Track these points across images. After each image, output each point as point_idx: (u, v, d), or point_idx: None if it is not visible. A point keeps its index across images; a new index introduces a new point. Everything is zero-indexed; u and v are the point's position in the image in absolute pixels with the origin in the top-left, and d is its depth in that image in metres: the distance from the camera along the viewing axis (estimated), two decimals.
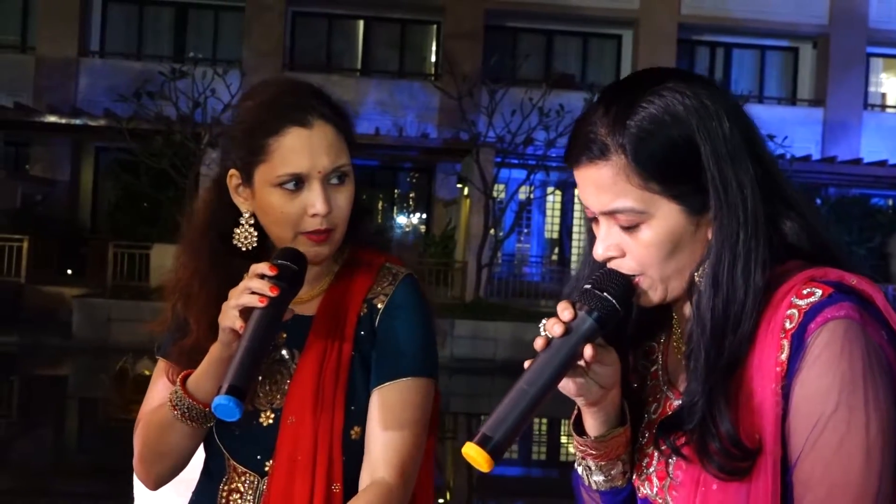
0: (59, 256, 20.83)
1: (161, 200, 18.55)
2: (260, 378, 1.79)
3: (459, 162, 22.04)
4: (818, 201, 20.88)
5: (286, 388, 1.78)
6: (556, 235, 24.94)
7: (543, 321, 1.31)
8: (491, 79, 19.69)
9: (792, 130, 20.11)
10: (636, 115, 1.30)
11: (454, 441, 10.16)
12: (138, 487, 2.31)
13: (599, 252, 1.36)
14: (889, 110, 25.80)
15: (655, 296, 1.36)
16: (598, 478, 1.46)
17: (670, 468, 1.39)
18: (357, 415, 1.76)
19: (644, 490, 1.46)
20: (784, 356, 1.25)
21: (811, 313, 1.25)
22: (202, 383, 1.72)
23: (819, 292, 1.26)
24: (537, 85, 19.77)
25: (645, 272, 1.34)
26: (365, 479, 1.75)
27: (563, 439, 11.29)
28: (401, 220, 24.64)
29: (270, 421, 1.78)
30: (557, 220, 24.76)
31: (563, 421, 11.09)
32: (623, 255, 1.35)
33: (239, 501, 1.79)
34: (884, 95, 26.37)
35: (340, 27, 24.43)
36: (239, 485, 1.80)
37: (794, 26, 24.01)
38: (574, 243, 24.38)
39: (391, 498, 1.72)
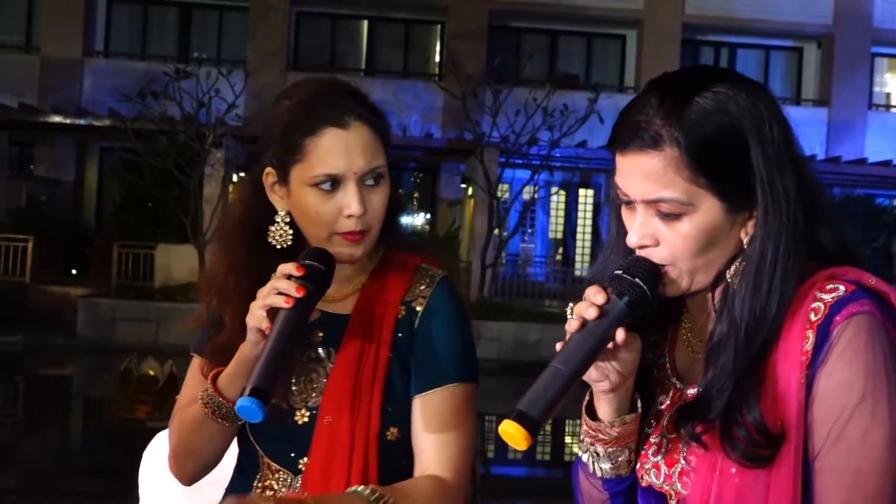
0: (63, 256, 20.83)
1: (165, 200, 18.54)
2: (294, 376, 1.80)
3: (463, 162, 22.02)
4: None
5: (322, 386, 1.79)
6: (559, 236, 24.89)
7: (570, 305, 1.34)
8: (495, 79, 19.66)
9: (796, 130, 19.77)
10: (693, 110, 1.33)
11: None
12: (143, 487, 2.31)
13: (634, 240, 1.39)
14: (894, 110, 25.74)
15: (681, 287, 1.39)
16: (605, 465, 1.48)
17: (682, 454, 1.41)
18: (394, 416, 1.77)
19: (649, 479, 1.47)
20: (809, 346, 1.29)
21: (836, 307, 1.29)
22: (232, 382, 1.73)
23: (842, 288, 1.30)
24: (541, 85, 19.74)
25: (675, 263, 1.37)
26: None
27: (568, 439, 11.27)
28: (405, 220, 24.61)
29: (306, 419, 1.79)
30: (561, 221, 24.71)
31: (566, 421, 11.09)
32: (657, 245, 1.37)
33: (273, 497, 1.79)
34: (888, 95, 26.30)
35: (344, 27, 24.43)
36: (273, 482, 1.81)
37: (799, 26, 23.96)
38: (578, 243, 24.34)
39: (445, 491, 1.72)
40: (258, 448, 1.83)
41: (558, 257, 24.65)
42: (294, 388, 1.81)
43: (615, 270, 1.36)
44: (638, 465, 1.50)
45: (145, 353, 10.55)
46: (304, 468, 1.77)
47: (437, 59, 24.39)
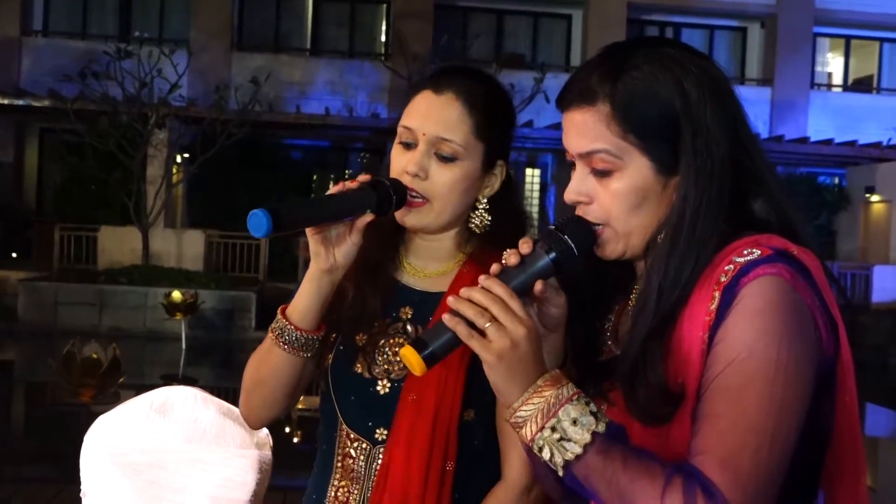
0: (2, 240, 20.52)
1: (108, 182, 18.33)
2: (378, 347, 1.86)
3: None
4: None
5: None
6: None
7: (506, 251, 1.39)
8: (441, 58, 19.62)
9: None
10: (628, 69, 1.38)
11: None
12: (86, 472, 2.28)
13: (570, 197, 1.43)
14: (835, 90, 26.12)
15: (616, 249, 1.43)
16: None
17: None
18: (472, 397, 1.79)
19: None
20: (714, 306, 1.31)
21: (745, 268, 1.31)
22: (298, 305, 1.78)
23: (758, 252, 1.32)
24: (488, 65, 19.69)
25: (609, 222, 1.41)
26: (503, 474, 1.81)
27: None
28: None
29: (387, 390, 1.83)
30: None
31: None
32: (591, 202, 1.42)
33: (352, 465, 1.85)
34: (830, 75, 26.68)
35: (289, 6, 24.20)
36: (350, 450, 1.86)
37: (743, 6, 24.21)
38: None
39: (520, 498, 1.77)
40: (338, 412, 1.87)
41: None
42: (379, 358, 1.85)
43: (549, 226, 1.41)
44: None
45: (88, 337, 10.42)
46: (381, 438, 1.82)
47: (383, 38, 24.28)
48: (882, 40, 25.76)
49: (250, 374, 1.88)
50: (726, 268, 1.32)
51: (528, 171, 24.48)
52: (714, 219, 1.36)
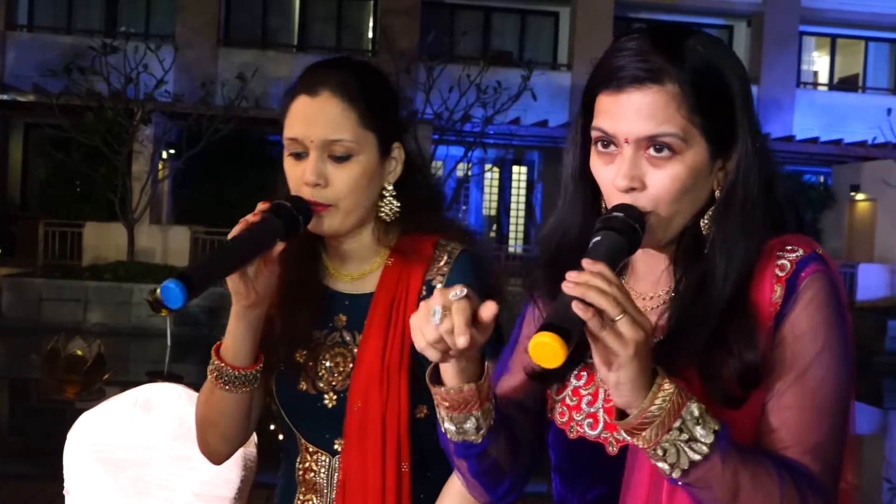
0: None
1: (93, 178, 18.24)
2: (320, 360, 1.83)
3: None
4: None
5: (348, 370, 1.81)
6: (493, 212, 25.00)
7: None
8: (428, 55, 19.62)
9: None
10: (688, 49, 1.37)
11: None
12: (69, 469, 2.27)
13: (623, 183, 1.36)
14: (821, 88, 26.21)
15: (662, 236, 1.40)
16: (449, 426, 1.43)
17: None
18: (422, 394, 1.72)
19: (581, 430, 1.48)
20: (777, 297, 1.35)
21: (801, 264, 1.36)
22: (230, 344, 1.75)
23: (801, 250, 1.37)
24: (475, 62, 19.71)
25: (657, 209, 1.37)
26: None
27: None
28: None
29: (334, 402, 1.81)
30: (495, 197, 24.81)
31: None
32: (644, 189, 1.36)
33: (314, 478, 1.84)
34: (816, 73, 26.78)
35: (276, 2, 24.13)
36: (312, 463, 1.85)
37: (730, 5, 24.27)
38: (511, 220, 24.47)
39: None
40: (294, 429, 1.86)
41: (492, 234, 24.76)
42: (320, 372, 1.83)
43: (613, 212, 1.35)
44: (566, 419, 1.50)
45: (73, 333, 10.39)
46: (340, 448, 1.81)
47: (370, 35, 24.25)
48: (867, 39, 25.86)
49: (199, 415, 1.86)
50: (780, 262, 1.36)
51: (515, 168, 24.50)
52: (765, 200, 1.40)
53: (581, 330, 1.19)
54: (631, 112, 1.36)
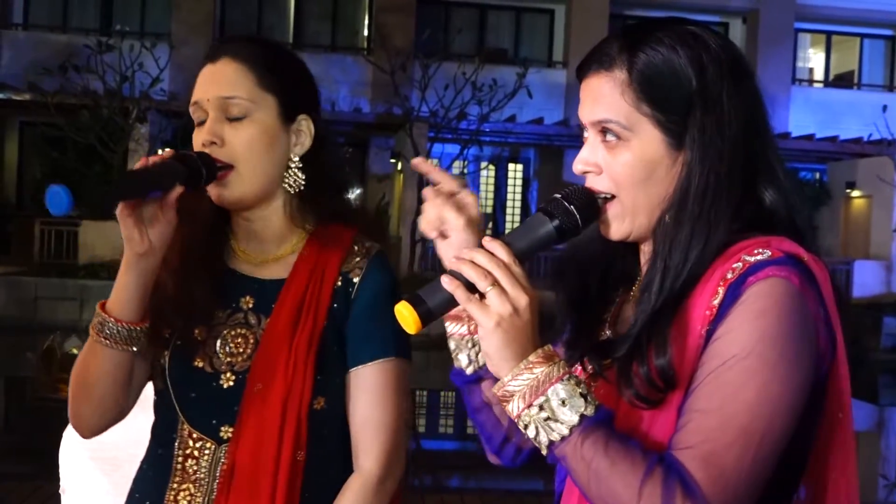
0: None
1: (89, 176, 18.21)
2: (220, 339, 1.78)
3: (393, 137, 21.96)
4: None
5: (250, 352, 1.77)
6: (489, 210, 24.99)
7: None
8: (424, 53, 19.62)
9: None
10: (649, 40, 1.38)
11: None
12: (64, 468, 2.27)
13: (578, 167, 1.41)
14: (816, 85, 26.23)
15: (621, 227, 1.40)
16: (451, 345, 1.56)
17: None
18: (322, 385, 1.76)
19: None
20: (716, 301, 1.29)
21: (754, 268, 1.28)
22: (116, 296, 1.71)
23: (769, 253, 1.29)
24: (470, 59, 19.72)
25: (618, 194, 1.38)
26: (355, 465, 1.79)
27: None
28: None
29: (231, 383, 1.75)
30: (491, 195, 24.80)
31: None
32: (600, 173, 1.39)
33: (194, 467, 1.76)
34: (811, 70, 26.80)
35: (271, 0, 24.12)
36: (194, 451, 1.77)
37: (725, 2, 24.28)
38: (507, 218, 24.47)
39: (376, 489, 1.76)
40: (179, 412, 1.78)
41: (488, 231, 24.64)
42: (221, 351, 1.78)
43: (556, 194, 1.37)
44: None
45: (69, 332, 10.39)
46: (226, 437, 1.74)
47: (366, 32, 24.22)
48: (863, 36, 25.89)
49: (75, 377, 1.77)
50: (734, 265, 1.29)
51: (511, 166, 24.49)
52: (723, 201, 1.34)
53: (449, 301, 1.28)
54: (587, 98, 1.41)
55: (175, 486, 1.77)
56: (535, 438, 1.26)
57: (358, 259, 1.83)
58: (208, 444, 1.76)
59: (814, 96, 24.96)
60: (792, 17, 24.31)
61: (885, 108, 20.80)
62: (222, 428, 1.75)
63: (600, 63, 1.39)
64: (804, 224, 1.40)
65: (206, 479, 1.74)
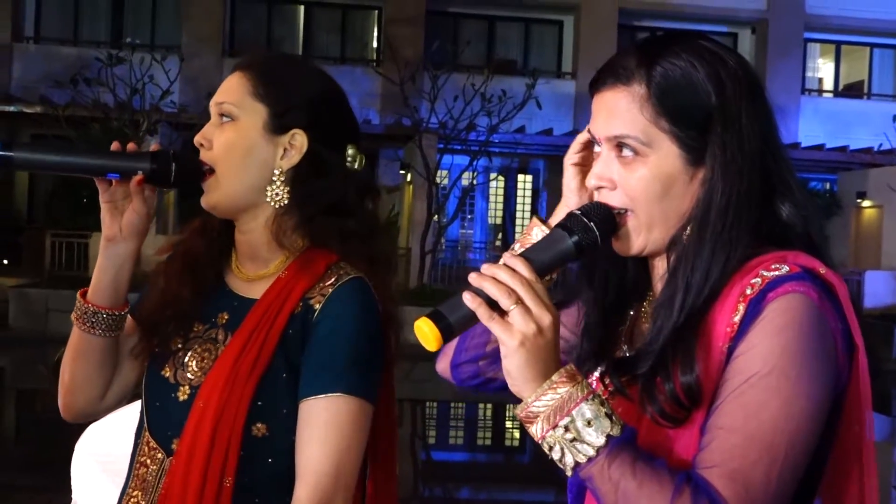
0: None
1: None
2: (191, 352, 1.76)
3: (402, 148, 21.98)
4: None
5: (207, 368, 1.73)
6: (499, 221, 25.01)
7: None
8: (433, 64, 19.64)
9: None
10: (667, 54, 1.36)
11: (398, 428, 10.13)
12: (76, 480, 2.27)
13: (592, 182, 1.40)
14: (826, 95, 26.20)
15: (637, 242, 1.39)
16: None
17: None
18: (264, 411, 1.67)
19: None
20: (737, 318, 1.28)
21: (773, 284, 1.28)
22: (93, 282, 1.78)
23: (786, 268, 1.29)
24: (479, 71, 19.74)
25: (634, 209, 1.37)
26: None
27: (508, 424, 11.32)
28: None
29: (185, 397, 1.72)
30: (501, 206, 24.82)
31: (507, 406, 11.13)
32: (614, 188, 1.38)
33: (145, 476, 1.74)
34: (820, 80, 26.77)
35: (281, 12, 24.23)
36: (148, 459, 1.75)
37: (734, 12, 24.28)
38: (517, 229, 24.46)
39: None
40: (145, 419, 1.78)
41: (498, 243, 24.76)
42: (187, 363, 1.76)
43: (574, 210, 1.36)
44: None
45: None
46: (175, 448, 1.69)
47: (375, 44, 24.30)
48: (872, 46, 25.86)
49: (63, 367, 1.86)
50: (753, 281, 1.29)
51: (520, 176, 24.51)
52: (743, 218, 1.33)
53: (470, 318, 1.25)
54: (602, 112, 1.39)
55: (130, 490, 1.77)
56: (561, 461, 1.24)
57: (326, 284, 1.73)
58: (159, 455, 1.73)
59: (823, 106, 24.93)
60: (801, 27, 24.31)
61: (895, 117, 20.72)
62: (174, 440, 1.71)
63: (617, 77, 1.37)
64: (820, 237, 1.39)
65: (152, 489, 1.72)
